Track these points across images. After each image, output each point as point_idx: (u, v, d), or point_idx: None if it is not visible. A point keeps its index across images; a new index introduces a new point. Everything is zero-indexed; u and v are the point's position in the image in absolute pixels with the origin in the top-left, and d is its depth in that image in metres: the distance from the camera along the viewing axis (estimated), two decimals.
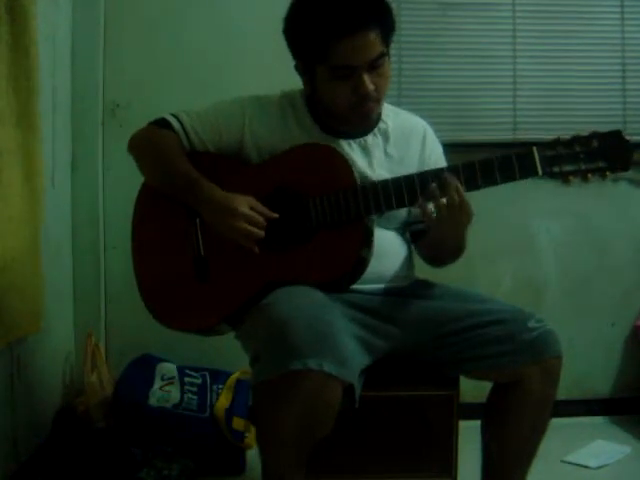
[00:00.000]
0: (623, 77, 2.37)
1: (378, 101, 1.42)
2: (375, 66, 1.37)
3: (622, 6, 2.35)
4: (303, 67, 1.43)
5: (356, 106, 1.39)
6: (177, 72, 2.19)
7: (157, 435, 1.87)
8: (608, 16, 2.36)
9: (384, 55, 1.38)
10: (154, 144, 1.49)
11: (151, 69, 2.19)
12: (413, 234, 1.54)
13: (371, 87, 1.37)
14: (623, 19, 2.36)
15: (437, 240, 1.43)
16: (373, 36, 1.35)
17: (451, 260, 1.49)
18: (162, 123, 1.50)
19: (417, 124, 1.57)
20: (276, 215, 1.39)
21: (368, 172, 1.46)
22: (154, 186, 1.51)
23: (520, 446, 1.43)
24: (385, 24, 1.38)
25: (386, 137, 1.51)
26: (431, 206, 1.33)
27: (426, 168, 1.48)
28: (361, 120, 1.44)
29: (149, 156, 1.51)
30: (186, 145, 1.49)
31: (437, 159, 1.55)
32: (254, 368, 1.33)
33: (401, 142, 1.52)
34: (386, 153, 1.50)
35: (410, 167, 1.49)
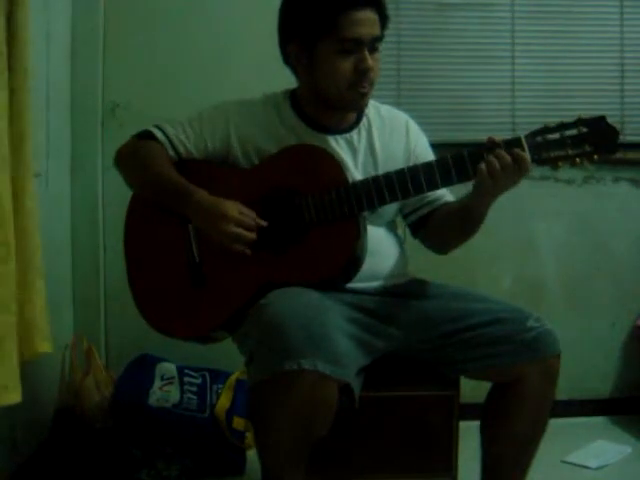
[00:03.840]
0: (621, 77, 2.38)
1: (372, 85, 1.43)
2: (374, 48, 1.41)
3: (621, 7, 2.36)
4: (301, 48, 1.43)
5: (354, 84, 1.40)
6: (177, 72, 2.18)
7: (157, 435, 1.86)
8: (607, 17, 2.36)
9: (381, 39, 1.42)
10: (140, 155, 1.49)
11: (151, 69, 2.19)
12: (414, 224, 1.55)
13: (372, 65, 1.39)
14: (622, 20, 2.36)
15: (468, 209, 1.40)
16: (375, 17, 1.40)
17: (464, 239, 1.48)
18: (146, 135, 1.50)
19: (398, 116, 1.58)
20: (265, 223, 1.39)
21: (355, 168, 1.47)
22: (143, 196, 1.52)
23: (520, 446, 1.43)
24: (383, 12, 1.43)
25: (370, 132, 1.52)
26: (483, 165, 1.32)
27: (413, 159, 1.51)
28: (355, 101, 1.44)
29: (136, 167, 1.51)
30: (172, 155, 1.49)
31: (422, 150, 1.56)
32: (249, 369, 1.33)
33: (385, 136, 1.53)
34: (371, 148, 1.51)
35: (396, 160, 1.50)
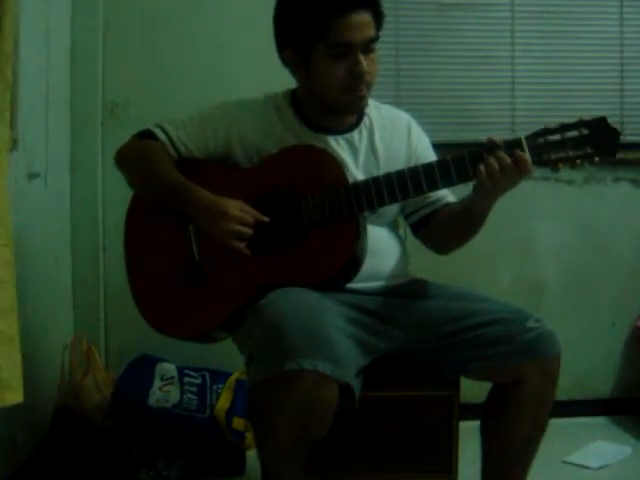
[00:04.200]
0: (621, 77, 2.38)
1: (369, 87, 1.42)
2: (369, 49, 1.39)
3: (621, 7, 2.36)
4: (296, 52, 1.42)
5: (350, 88, 1.40)
6: (177, 72, 2.18)
7: (157, 435, 1.86)
8: (607, 17, 2.36)
9: (376, 40, 1.41)
10: (141, 154, 1.49)
11: (151, 69, 2.19)
12: (415, 224, 1.54)
13: (366, 67, 1.38)
14: (622, 19, 2.36)
15: (470, 210, 1.40)
16: (369, 17, 1.39)
17: (465, 240, 1.47)
18: (147, 134, 1.50)
19: (400, 116, 1.58)
20: (266, 219, 1.39)
21: (356, 168, 1.47)
22: (144, 195, 1.52)
23: (520, 446, 1.43)
24: (377, 11, 1.41)
25: (371, 131, 1.52)
26: (482, 167, 1.31)
27: (414, 159, 1.51)
28: (353, 104, 1.44)
29: (137, 166, 1.50)
30: (173, 154, 1.49)
31: (424, 150, 1.55)
32: (249, 369, 1.33)
33: (386, 135, 1.53)
34: (372, 148, 1.50)
35: (397, 160, 1.50)
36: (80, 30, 2.12)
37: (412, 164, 1.47)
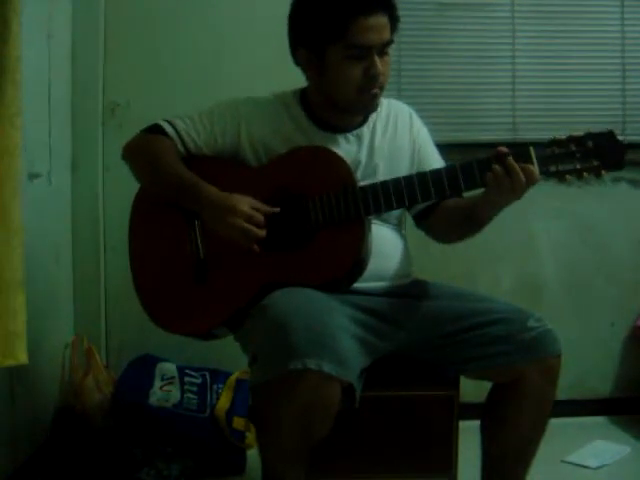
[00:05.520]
0: (623, 77, 2.37)
1: (382, 89, 1.43)
2: (384, 52, 1.40)
3: (622, 6, 2.36)
4: (310, 52, 1.42)
5: (364, 89, 1.40)
6: (177, 72, 2.19)
7: (157, 435, 1.86)
8: (608, 16, 2.36)
9: (392, 43, 1.42)
10: (149, 149, 1.49)
11: (151, 69, 2.19)
12: (419, 214, 1.55)
13: (381, 69, 1.39)
14: (623, 19, 2.36)
15: (480, 208, 1.40)
16: (386, 21, 1.39)
17: (467, 236, 1.49)
18: (156, 129, 1.50)
19: (402, 107, 1.60)
20: (277, 209, 1.39)
21: (364, 162, 1.47)
22: (151, 191, 1.51)
23: (520, 446, 1.43)
24: (393, 14, 1.42)
25: (377, 124, 1.52)
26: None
27: (416, 148, 1.53)
28: (366, 105, 1.45)
29: (145, 162, 1.50)
30: (182, 150, 1.48)
31: (424, 140, 1.57)
32: (253, 369, 1.33)
33: (391, 125, 1.54)
34: (379, 140, 1.51)
35: (403, 149, 1.52)
36: (81, 30, 2.12)
37: (415, 153, 1.50)
